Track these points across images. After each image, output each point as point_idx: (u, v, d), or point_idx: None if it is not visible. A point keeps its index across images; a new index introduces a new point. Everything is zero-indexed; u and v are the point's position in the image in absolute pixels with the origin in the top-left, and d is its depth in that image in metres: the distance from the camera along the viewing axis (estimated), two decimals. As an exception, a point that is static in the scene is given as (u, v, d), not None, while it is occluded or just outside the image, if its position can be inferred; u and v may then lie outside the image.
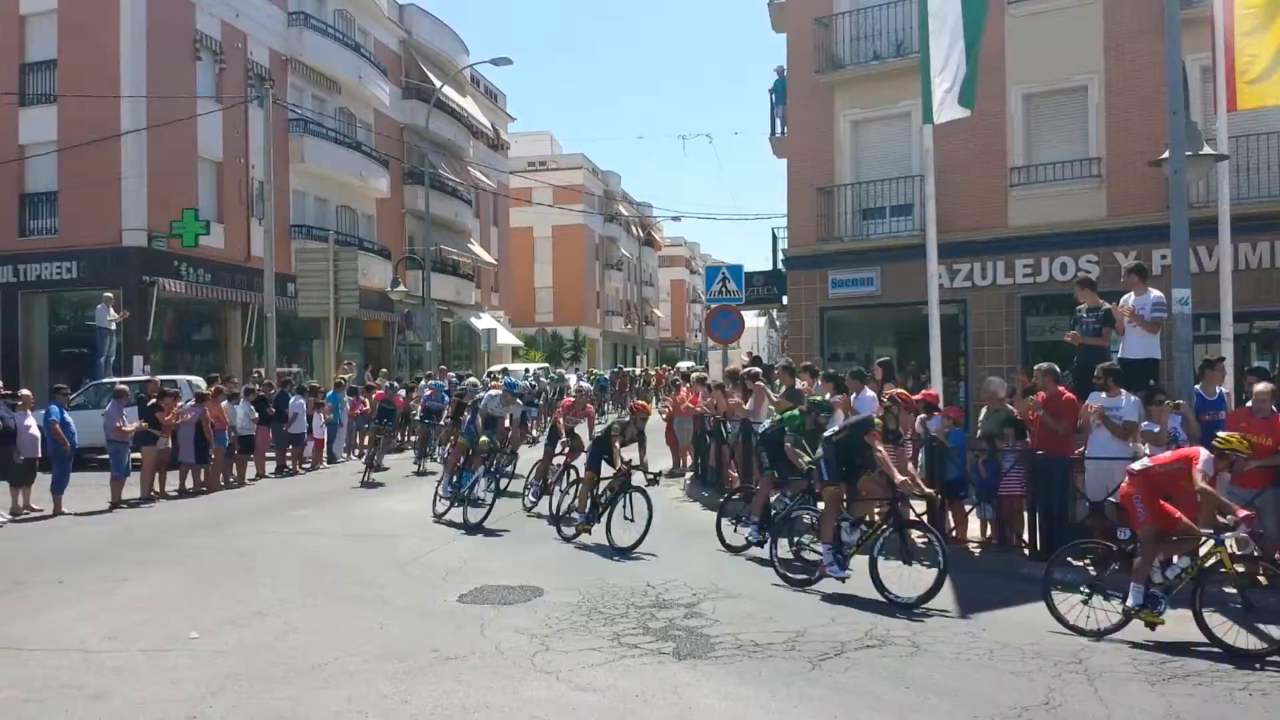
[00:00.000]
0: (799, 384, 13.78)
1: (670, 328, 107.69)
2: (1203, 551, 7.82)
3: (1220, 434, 8.39)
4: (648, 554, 11.05)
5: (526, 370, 36.38)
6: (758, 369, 16.01)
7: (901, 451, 10.71)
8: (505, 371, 29.43)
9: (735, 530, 11.59)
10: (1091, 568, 8.75)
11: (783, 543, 10.28)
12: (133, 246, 26.85)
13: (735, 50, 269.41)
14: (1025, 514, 10.71)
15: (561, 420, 14.80)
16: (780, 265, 24.26)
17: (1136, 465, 8.31)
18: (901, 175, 20.87)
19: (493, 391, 15.30)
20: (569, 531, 12.28)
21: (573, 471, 13.75)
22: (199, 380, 21.72)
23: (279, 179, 30.10)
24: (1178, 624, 7.70)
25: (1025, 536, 10.64)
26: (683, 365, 48.46)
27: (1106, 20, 18.84)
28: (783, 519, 10.45)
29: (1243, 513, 7.61)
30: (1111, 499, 8.93)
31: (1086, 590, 8.23)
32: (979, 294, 19.97)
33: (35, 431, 14.89)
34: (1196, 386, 10.55)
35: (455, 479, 14.32)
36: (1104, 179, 18.86)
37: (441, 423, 20.75)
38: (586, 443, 13.77)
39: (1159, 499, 7.93)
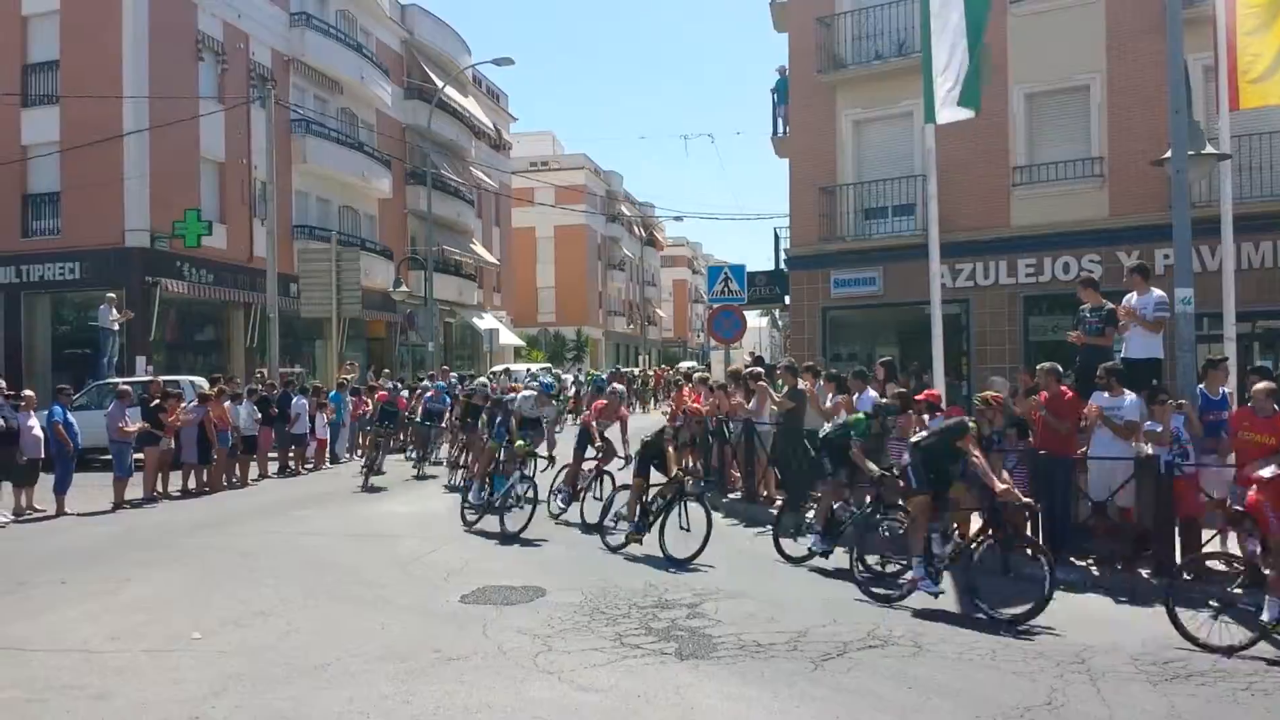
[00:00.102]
0: (801, 384, 13.77)
1: (672, 328, 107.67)
2: None
3: None
4: (705, 565, 10.42)
5: (528, 370, 36.39)
6: (760, 369, 16.00)
7: (995, 458, 9.94)
8: (507, 372, 29.40)
9: (796, 541, 11.10)
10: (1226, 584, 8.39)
11: (833, 551, 9.92)
12: (135, 247, 26.88)
13: (737, 50, 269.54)
14: (1027, 514, 10.68)
15: (595, 423, 13.66)
16: (782, 265, 24.28)
17: (1265, 473, 7.94)
18: (903, 175, 20.88)
19: (526, 393, 14.28)
20: (615, 541, 11.50)
21: (607, 478, 13.38)
22: (201, 381, 21.72)
23: (281, 179, 30.15)
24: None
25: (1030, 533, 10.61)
26: (684, 365, 48.42)
27: (1109, 19, 18.85)
28: (865, 530, 9.81)
29: None
30: (1237, 506, 8.59)
31: (1216, 605, 7.84)
32: (981, 294, 19.97)
33: (38, 432, 14.90)
34: (1201, 386, 10.53)
35: (486, 486, 13.39)
36: (1106, 178, 18.85)
37: (444, 425, 20.73)
38: (619, 448, 13.37)
39: None
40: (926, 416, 11.72)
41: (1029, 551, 9.05)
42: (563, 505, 13.65)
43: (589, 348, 70.87)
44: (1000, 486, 8.60)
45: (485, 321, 47.16)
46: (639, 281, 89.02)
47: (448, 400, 21.04)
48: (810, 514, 10.83)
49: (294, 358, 32.97)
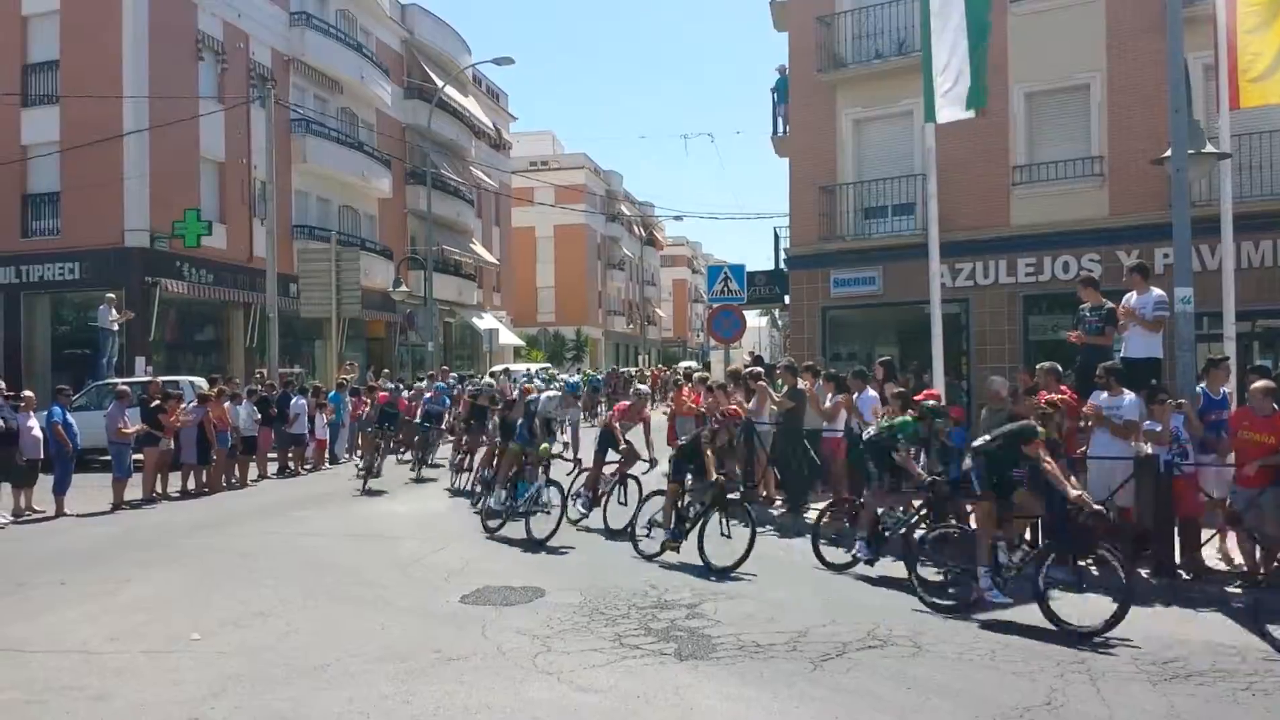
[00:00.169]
0: (801, 384, 13.77)
1: (672, 327, 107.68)
2: None
3: None
4: (748, 574, 10.01)
5: (528, 370, 36.38)
6: (760, 369, 15.99)
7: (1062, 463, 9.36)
8: (506, 372, 29.37)
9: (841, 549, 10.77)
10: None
11: (879, 559, 9.70)
12: (135, 247, 26.87)
13: (737, 49, 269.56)
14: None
15: (618, 426, 13.23)
16: (782, 265, 24.26)
17: None
18: (903, 174, 20.86)
19: (551, 393, 13.55)
20: (649, 549, 11.05)
21: (631, 483, 12.93)
22: (201, 381, 21.71)
23: (281, 179, 30.15)
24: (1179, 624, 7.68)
25: (1027, 536, 10.60)
26: (684, 365, 48.43)
27: (1109, 18, 18.83)
28: (936, 539, 9.34)
29: None
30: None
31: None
32: (981, 293, 19.95)
33: (37, 433, 14.89)
34: (1203, 386, 10.53)
35: (508, 491, 12.84)
36: (1106, 177, 18.83)
37: (443, 426, 20.65)
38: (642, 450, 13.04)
39: None
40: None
41: (1102, 559, 8.55)
42: (583, 510, 13.04)
43: (589, 347, 70.87)
44: (1074, 493, 8.23)
45: (485, 321, 47.17)
46: (639, 281, 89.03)
47: (447, 401, 20.96)
48: (809, 515, 10.73)
49: (294, 358, 32.97)
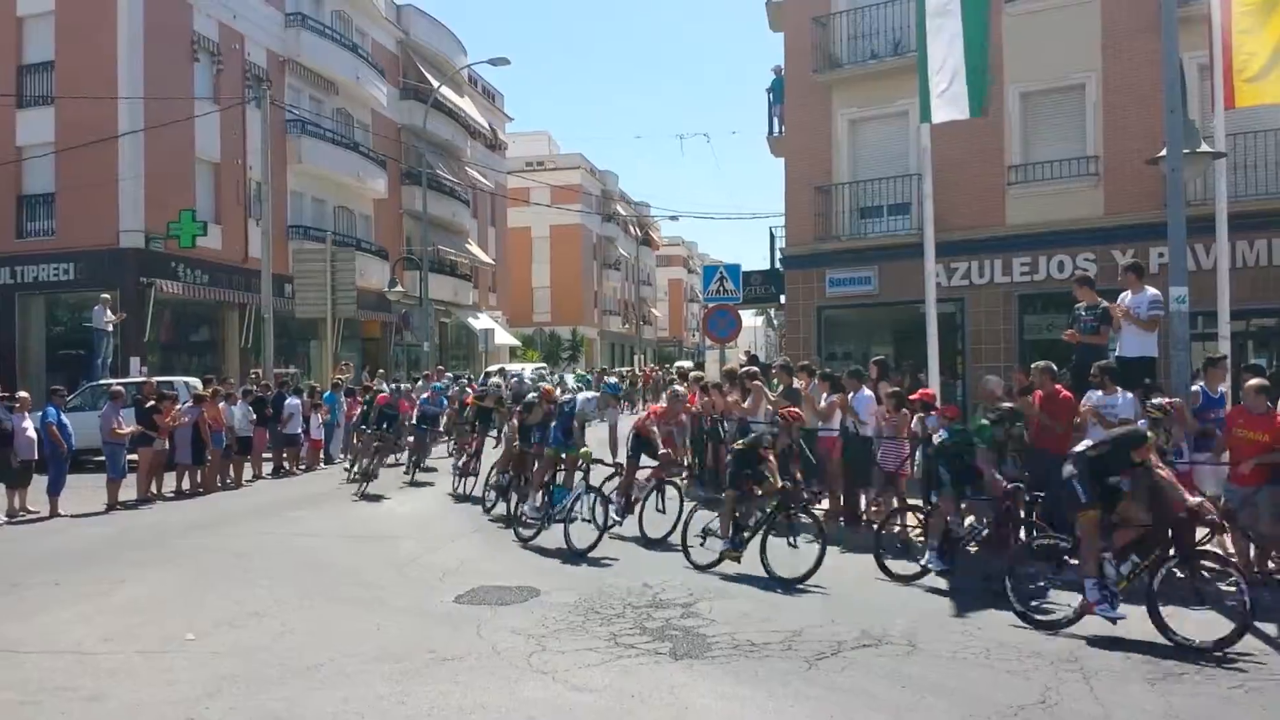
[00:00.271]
0: (796, 383, 13.78)
1: (668, 327, 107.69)
2: None
3: None
4: (816, 588, 9.48)
5: (523, 370, 36.34)
6: (755, 368, 16.00)
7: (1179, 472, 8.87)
8: (502, 372, 29.35)
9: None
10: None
11: (954, 571, 9.42)
12: (130, 248, 26.82)
13: (733, 50, 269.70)
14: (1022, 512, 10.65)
15: (657, 429, 12.59)
16: (778, 264, 24.30)
17: None
18: (899, 174, 20.87)
19: (589, 394, 12.96)
20: (701, 559, 10.45)
21: (669, 489, 12.47)
22: (196, 381, 21.66)
23: (276, 180, 30.11)
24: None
25: (1023, 535, 10.60)
26: (685, 364, 48.39)
27: (1104, 18, 18.84)
28: (1038, 550, 8.90)
29: None
30: None
31: None
32: (976, 292, 19.96)
33: (32, 433, 14.88)
34: (1202, 385, 10.54)
35: (544, 497, 12.18)
36: (1101, 177, 18.85)
37: (439, 429, 20.51)
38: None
39: None
40: (920, 414, 11.78)
41: (1216, 569, 8.06)
42: (617, 518, 12.01)
43: (584, 347, 70.88)
44: (1193, 500, 7.82)
45: (480, 321, 47.16)
46: (634, 281, 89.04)
47: (444, 403, 20.73)
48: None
49: (289, 358, 32.96)
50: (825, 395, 13.41)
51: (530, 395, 14.66)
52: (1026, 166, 19.61)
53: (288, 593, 9.58)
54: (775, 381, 14.66)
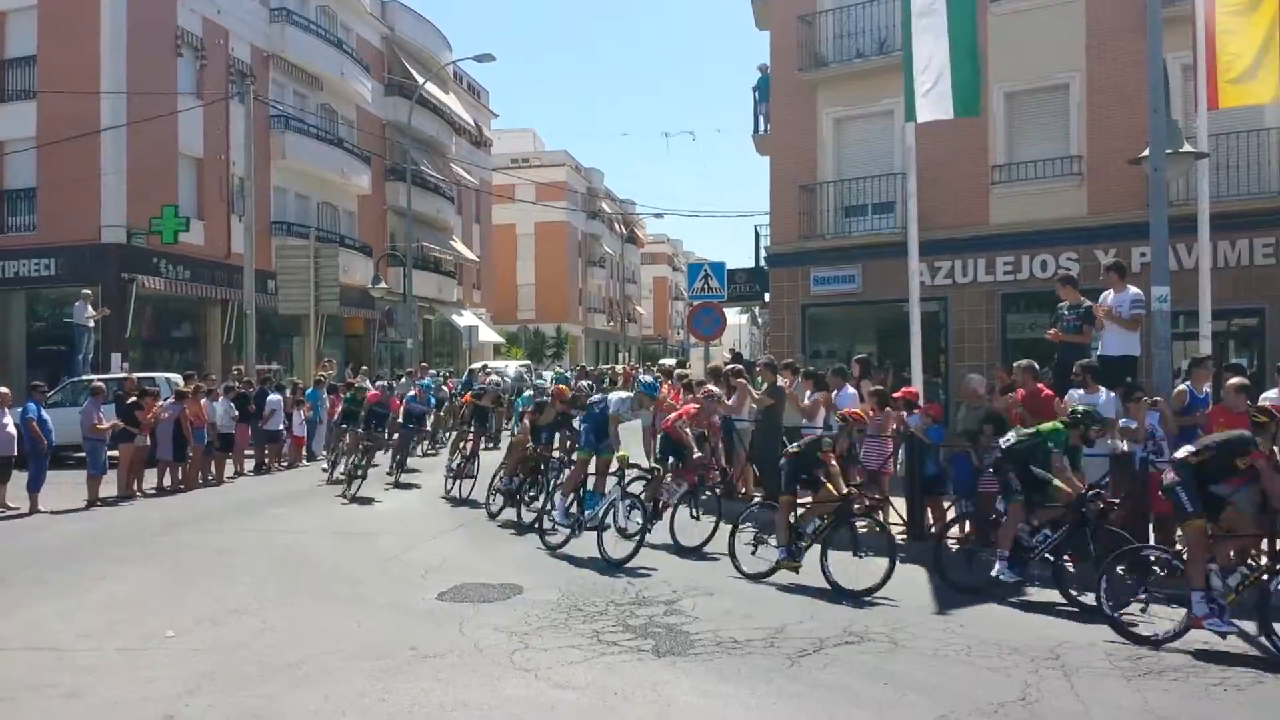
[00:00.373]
0: (780, 381, 13.79)
1: (652, 325, 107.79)
2: None
3: None
4: (885, 600, 8.95)
5: (506, 368, 36.26)
6: (740, 366, 15.99)
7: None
8: (485, 369, 29.24)
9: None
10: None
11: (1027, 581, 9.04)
12: (112, 243, 26.67)
13: (718, 47, 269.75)
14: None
15: (688, 431, 11.71)
16: (763, 262, 24.32)
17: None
18: (883, 173, 20.91)
19: (622, 394, 12.20)
20: (752, 568, 9.96)
21: (706, 494, 11.96)
22: (177, 378, 21.53)
23: (260, 175, 29.97)
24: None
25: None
26: (667, 362, 48.35)
27: (1088, 18, 18.92)
28: (1146, 564, 8.54)
29: None
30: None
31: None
32: (960, 291, 20.03)
33: (12, 429, 14.77)
34: (1189, 384, 10.60)
35: (574, 503, 11.54)
36: (1085, 177, 18.93)
37: (425, 427, 20.34)
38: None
39: None
40: (903, 412, 11.79)
41: None
42: (646, 524, 11.12)
43: (569, 345, 70.85)
44: None
45: (464, 318, 47.09)
46: (619, 278, 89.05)
47: (432, 401, 20.52)
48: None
49: (271, 355, 32.84)
50: (809, 393, 13.42)
51: (497, 393, 14.41)
52: (1010, 166, 19.68)
53: (269, 590, 9.54)
54: (759, 379, 14.66)
